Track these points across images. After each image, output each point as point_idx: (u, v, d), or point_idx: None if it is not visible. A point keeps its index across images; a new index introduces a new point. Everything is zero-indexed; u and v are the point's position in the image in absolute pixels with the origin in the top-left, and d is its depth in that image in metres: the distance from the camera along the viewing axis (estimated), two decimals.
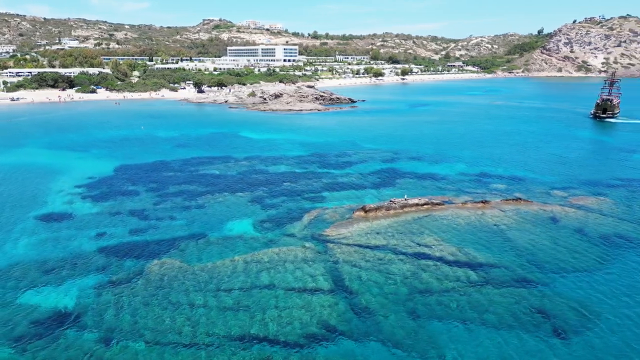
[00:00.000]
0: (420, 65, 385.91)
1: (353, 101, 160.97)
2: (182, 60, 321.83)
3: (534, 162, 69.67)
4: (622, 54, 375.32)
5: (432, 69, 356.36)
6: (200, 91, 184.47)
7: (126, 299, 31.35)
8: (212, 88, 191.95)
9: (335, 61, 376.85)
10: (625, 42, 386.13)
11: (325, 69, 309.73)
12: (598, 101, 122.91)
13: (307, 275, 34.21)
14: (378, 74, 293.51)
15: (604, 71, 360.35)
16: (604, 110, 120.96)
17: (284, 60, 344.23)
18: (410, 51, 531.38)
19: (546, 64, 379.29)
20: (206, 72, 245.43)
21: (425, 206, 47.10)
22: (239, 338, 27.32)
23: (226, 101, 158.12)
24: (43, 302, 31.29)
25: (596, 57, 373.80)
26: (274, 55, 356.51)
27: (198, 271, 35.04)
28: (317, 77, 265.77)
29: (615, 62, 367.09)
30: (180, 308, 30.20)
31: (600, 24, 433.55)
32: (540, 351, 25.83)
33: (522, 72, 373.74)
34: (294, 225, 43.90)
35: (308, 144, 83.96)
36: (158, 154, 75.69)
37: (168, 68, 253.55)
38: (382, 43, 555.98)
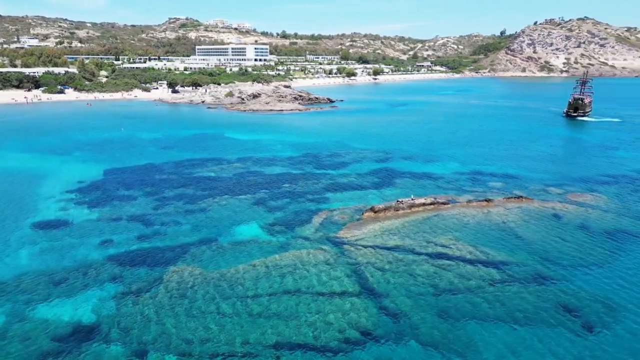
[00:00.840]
0: (390, 65, 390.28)
1: (332, 101, 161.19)
2: (150, 59, 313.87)
3: (523, 159, 71.56)
4: (582, 55, 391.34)
5: (402, 69, 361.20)
6: (175, 91, 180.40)
7: (151, 310, 30.17)
8: (187, 88, 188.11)
9: (306, 61, 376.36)
10: (584, 43, 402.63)
11: (297, 68, 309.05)
12: (570, 100, 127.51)
13: (332, 278, 33.87)
14: (351, 74, 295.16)
15: (565, 71, 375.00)
16: (575, 109, 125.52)
17: (255, 60, 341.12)
18: (379, 51, 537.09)
19: (511, 64, 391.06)
20: (177, 72, 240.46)
21: (432, 206, 47.57)
22: (277, 345, 26.74)
23: (203, 101, 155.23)
24: (61, 316, 29.73)
25: (558, 57, 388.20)
26: (245, 55, 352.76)
27: (219, 278, 34.14)
28: (290, 76, 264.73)
29: (576, 62, 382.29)
30: (211, 317, 29.31)
31: (560, 26, 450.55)
32: (574, 346, 26.45)
33: (489, 72, 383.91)
34: (305, 228, 43.45)
35: (298, 144, 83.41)
36: (145, 156, 73.46)
37: (137, 68, 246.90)
38: (351, 43, 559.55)
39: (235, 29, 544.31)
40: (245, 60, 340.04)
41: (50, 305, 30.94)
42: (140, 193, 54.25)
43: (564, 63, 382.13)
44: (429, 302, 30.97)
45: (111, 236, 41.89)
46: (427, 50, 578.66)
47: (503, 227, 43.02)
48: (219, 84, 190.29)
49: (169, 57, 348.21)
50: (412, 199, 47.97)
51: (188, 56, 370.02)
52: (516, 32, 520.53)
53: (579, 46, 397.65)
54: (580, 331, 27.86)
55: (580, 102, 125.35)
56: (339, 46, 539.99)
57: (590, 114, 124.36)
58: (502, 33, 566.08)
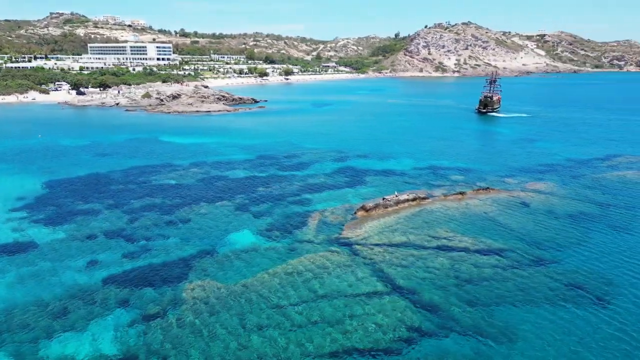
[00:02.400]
0: (297, 65, 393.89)
1: (256, 101, 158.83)
2: (35, 58, 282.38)
3: (465, 153, 76.96)
4: (470, 56, 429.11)
5: (310, 69, 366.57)
6: (80, 93, 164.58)
7: (180, 332, 27.69)
8: (93, 89, 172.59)
9: (212, 60, 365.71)
10: (470, 45, 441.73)
11: (205, 68, 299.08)
12: (481, 98, 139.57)
13: (358, 280, 33.76)
14: (263, 74, 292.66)
15: (457, 71, 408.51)
16: (485, 105, 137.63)
17: (158, 59, 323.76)
18: (283, 51, 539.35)
19: (409, 64, 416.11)
20: (73, 72, 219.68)
21: (415, 201, 49.41)
22: (331, 354, 26.08)
23: (117, 103, 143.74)
24: (79, 353, 26.10)
25: (449, 58, 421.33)
26: (146, 54, 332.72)
27: (244, 290, 32.31)
28: (201, 77, 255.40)
29: (465, 63, 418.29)
30: (251, 332, 27.67)
31: (448, 29, 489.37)
32: (592, 319, 29.30)
33: (390, 72, 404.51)
34: (304, 231, 42.69)
35: (247, 146, 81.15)
36: (83, 165, 66.45)
37: (23, 67, 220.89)
38: (255, 43, 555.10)
39: (129, 25, 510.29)
40: (146, 59, 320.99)
41: (61, 341, 27.00)
42: (102, 206, 49.08)
43: (455, 64, 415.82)
44: (456, 293, 32.27)
45: (94, 256, 37.50)
46: (329, 51, 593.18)
47: (486, 217, 46.13)
48: (130, 85, 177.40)
49: (58, 56, 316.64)
50: (396, 196, 49.41)
51: (79, 55, 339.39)
52: (409, 35, 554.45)
53: (466, 48, 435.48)
54: (594, 306, 30.96)
55: (489, 99, 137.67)
56: (243, 45, 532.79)
57: (499, 110, 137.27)
58: (396, 35, 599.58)
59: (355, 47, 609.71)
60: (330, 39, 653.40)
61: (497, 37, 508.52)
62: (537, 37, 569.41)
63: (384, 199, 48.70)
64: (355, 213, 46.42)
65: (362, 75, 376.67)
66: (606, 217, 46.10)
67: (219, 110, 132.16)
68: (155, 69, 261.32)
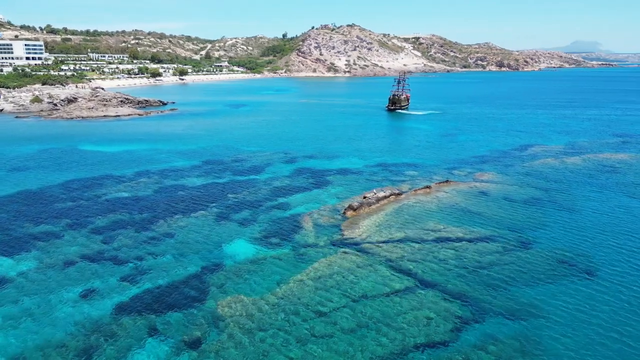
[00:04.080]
0: (187, 64, 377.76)
1: (164, 103, 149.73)
2: None
3: (404, 149, 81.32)
4: (358, 57, 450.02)
5: (203, 69, 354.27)
6: None
7: (237, 354, 25.98)
8: None
9: (91, 60, 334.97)
10: (358, 47, 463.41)
11: (87, 68, 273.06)
12: (390, 96, 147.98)
13: (382, 279, 34.40)
14: (156, 74, 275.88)
15: (348, 72, 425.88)
16: (394, 103, 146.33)
17: (28, 59, 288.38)
18: (170, 50, 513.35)
19: (303, 65, 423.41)
20: None
21: (392, 197, 51.42)
22: (398, 354, 26.62)
23: (1, 110, 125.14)
24: None
25: (340, 59, 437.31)
26: (12, 52, 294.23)
27: (275, 301, 31.13)
28: (86, 78, 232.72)
29: (354, 64, 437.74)
30: (307, 343, 26.96)
31: (334, 31, 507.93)
32: (591, 289, 33.57)
33: (285, 72, 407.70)
34: (303, 235, 42.11)
35: (186, 152, 76.68)
36: (2, 182, 57.39)
37: None
38: (137, 41, 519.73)
39: None
40: (14, 59, 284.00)
41: None
42: (59, 227, 43.17)
43: (345, 64, 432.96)
44: (474, 280, 34.60)
45: (87, 284, 33.14)
46: (218, 50, 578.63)
47: (459, 207, 49.71)
48: (9, 88, 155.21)
49: None
50: (375, 193, 50.91)
51: None
52: (297, 35, 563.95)
53: (355, 49, 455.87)
54: (587, 278, 35.36)
55: (397, 97, 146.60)
56: (123, 44, 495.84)
57: (407, 107, 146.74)
58: (284, 35, 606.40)
59: (244, 47, 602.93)
60: (217, 38, 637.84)
61: (379, 39, 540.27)
62: (413, 39, 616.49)
63: (364, 197, 49.90)
64: (344, 213, 46.92)
65: (258, 75, 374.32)
66: (553, 200, 52.51)
67: (129, 115, 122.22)
68: (27, 69, 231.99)
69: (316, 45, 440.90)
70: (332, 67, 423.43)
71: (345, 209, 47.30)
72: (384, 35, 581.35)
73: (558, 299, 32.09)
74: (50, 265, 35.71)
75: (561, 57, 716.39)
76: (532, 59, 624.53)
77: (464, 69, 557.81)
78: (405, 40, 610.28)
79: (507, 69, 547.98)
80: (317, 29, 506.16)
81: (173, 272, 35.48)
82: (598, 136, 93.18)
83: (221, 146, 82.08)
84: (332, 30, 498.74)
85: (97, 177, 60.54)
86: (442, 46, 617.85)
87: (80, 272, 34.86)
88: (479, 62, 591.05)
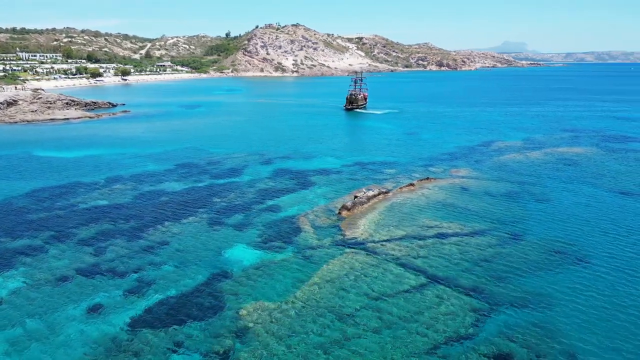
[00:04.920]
0: (127, 64, 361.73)
1: (114, 105, 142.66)
2: None
3: (375, 148, 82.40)
4: (305, 57, 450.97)
5: (146, 69, 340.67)
6: None
7: None
8: None
9: (20, 59, 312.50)
10: (304, 46, 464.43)
11: (19, 68, 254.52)
12: (347, 96, 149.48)
13: (396, 277, 34.71)
14: (96, 75, 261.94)
15: (296, 71, 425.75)
16: (351, 102, 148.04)
17: None
18: (106, 49, 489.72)
19: (250, 65, 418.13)
20: None
21: (381, 195, 52.05)
22: (430, 350, 27.07)
23: None
24: None
25: (287, 59, 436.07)
26: None
27: (298, 306, 30.62)
28: (20, 78, 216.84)
29: (302, 64, 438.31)
30: (340, 346, 26.81)
31: (279, 30, 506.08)
32: (589, 275, 35.82)
33: (232, 72, 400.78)
34: (304, 237, 41.65)
35: (154, 156, 73.49)
36: None
37: None
38: (70, 40, 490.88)
39: None
40: None
41: None
42: (41, 240, 40.06)
43: (293, 64, 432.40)
44: (482, 273, 35.69)
45: (90, 300, 31.01)
46: (159, 49, 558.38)
47: (447, 203, 51.15)
48: None
49: None
50: (365, 192, 51.30)
51: None
52: (241, 34, 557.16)
53: (301, 49, 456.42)
54: (581, 265, 37.59)
55: (354, 97, 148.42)
56: (55, 42, 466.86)
57: (365, 107, 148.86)
58: (227, 34, 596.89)
59: (187, 46, 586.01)
60: (156, 37, 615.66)
61: (324, 39, 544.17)
62: (357, 39, 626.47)
63: (356, 196, 50.17)
64: (339, 213, 46.90)
65: (204, 75, 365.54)
66: (530, 193, 55.28)
67: (79, 117, 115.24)
68: None
69: (262, 44, 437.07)
70: (279, 67, 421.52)
71: (340, 209, 47.32)
72: (329, 35, 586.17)
73: (560, 284, 33.85)
74: (44, 282, 33.05)
75: (494, 57, 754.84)
76: (468, 58, 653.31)
77: (406, 69, 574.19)
78: (349, 40, 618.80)
79: (447, 68, 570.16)
80: (261, 28, 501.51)
81: (180, 282, 33.97)
82: (550, 132, 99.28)
83: (190, 148, 79.42)
84: (277, 30, 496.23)
85: (66, 184, 56.67)
86: (384, 46, 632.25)
87: (80, 287, 32.54)
88: (420, 61, 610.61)
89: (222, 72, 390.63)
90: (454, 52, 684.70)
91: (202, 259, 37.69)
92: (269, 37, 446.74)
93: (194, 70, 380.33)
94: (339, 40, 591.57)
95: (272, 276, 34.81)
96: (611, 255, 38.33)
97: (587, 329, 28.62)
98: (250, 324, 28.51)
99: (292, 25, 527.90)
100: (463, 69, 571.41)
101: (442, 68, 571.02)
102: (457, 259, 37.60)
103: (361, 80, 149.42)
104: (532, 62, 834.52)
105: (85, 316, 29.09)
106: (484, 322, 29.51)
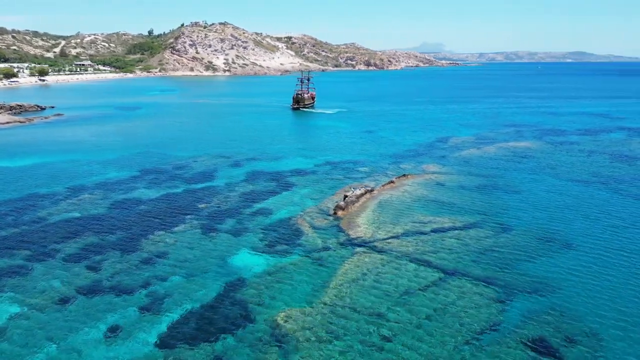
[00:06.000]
0: (41, 63, 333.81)
1: (42, 108, 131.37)
2: None
3: (341, 147, 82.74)
4: (237, 56, 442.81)
5: (66, 69, 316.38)
6: None
7: None
8: None
9: None
10: (235, 45, 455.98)
11: None
12: (294, 95, 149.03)
13: (414, 273, 35.12)
14: (10, 75, 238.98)
15: (228, 70, 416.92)
16: (297, 102, 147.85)
17: None
18: (15, 47, 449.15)
19: (179, 64, 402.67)
20: None
21: (368, 194, 52.61)
22: (465, 343, 27.88)
23: None
24: None
25: (218, 58, 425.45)
26: None
27: (328, 309, 30.19)
28: None
29: (234, 63, 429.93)
30: (383, 345, 26.98)
31: (207, 28, 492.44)
32: (582, 260, 38.53)
33: (159, 71, 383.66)
34: (307, 239, 41.06)
35: (114, 162, 68.71)
36: None
37: None
38: None
39: None
40: None
41: None
42: (20, 260, 36.13)
43: (224, 63, 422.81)
44: (487, 264, 37.18)
45: (105, 321, 28.46)
46: (75, 47, 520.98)
47: (430, 198, 52.78)
48: None
49: None
50: (353, 192, 51.56)
51: None
52: (164, 32, 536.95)
53: (232, 48, 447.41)
54: (571, 250, 40.28)
55: (300, 96, 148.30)
56: None
57: (313, 106, 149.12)
58: (150, 32, 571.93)
59: (106, 44, 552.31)
60: (71, 34, 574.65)
61: (254, 38, 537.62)
62: (286, 39, 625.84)
63: (345, 196, 50.26)
64: (335, 213, 46.73)
65: (130, 75, 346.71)
66: (500, 185, 58.47)
67: (7, 123, 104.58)
68: None
69: (192, 43, 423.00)
70: (210, 66, 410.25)
71: (334, 209, 47.20)
72: (257, 34, 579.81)
73: (561, 268, 36.19)
74: (41, 307, 29.75)
75: (417, 57, 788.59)
76: (393, 58, 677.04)
77: (336, 68, 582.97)
78: (278, 39, 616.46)
79: (374, 67, 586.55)
80: (189, 26, 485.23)
81: (194, 294, 32.15)
82: (494, 127, 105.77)
83: (149, 153, 75.16)
84: (205, 28, 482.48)
85: (26, 197, 51.36)
86: (314, 46, 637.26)
87: (87, 308, 29.72)
88: (349, 61, 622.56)
89: (149, 72, 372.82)
90: (380, 52, 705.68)
91: (209, 268, 35.94)
92: (197, 36, 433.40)
93: (118, 70, 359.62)
94: (268, 39, 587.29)
95: (290, 281, 34.00)
96: (597, 237, 41.76)
97: (600, 306, 30.88)
98: (290, 332, 27.67)
99: (220, 23, 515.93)
100: (390, 68, 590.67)
101: (370, 68, 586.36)
102: (462, 252, 39.01)
103: (308, 80, 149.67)
104: (451, 62, 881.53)
105: (107, 338, 26.63)
106: (506, 310, 30.86)
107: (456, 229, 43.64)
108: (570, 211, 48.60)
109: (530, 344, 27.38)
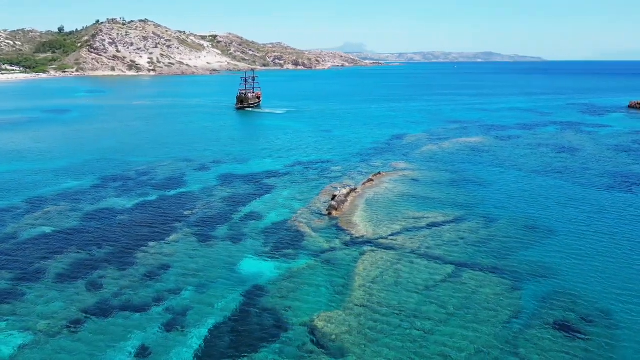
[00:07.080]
0: None
1: None
2: None
3: (306, 147, 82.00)
4: (162, 55, 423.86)
5: None
6: None
7: None
8: None
9: None
10: (159, 44, 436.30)
11: None
12: (238, 95, 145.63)
13: (428, 269, 35.66)
14: None
15: (153, 70, 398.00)
16: (241, 101, 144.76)
17: None
18: None
19: (98, 63, 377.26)
20: None
21: (353, 193, 52.79)
22: (496, 331, 28.93)
23: None
24: None
25: (141, 57, 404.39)
26: None
27: (360, 311, 29.93)
28: None
29: (159, 62, 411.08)
30: (429, 340, 27.36)
31: (126, 26, 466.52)
32: (568, 242, 41.55)
33: (77, 71, 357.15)
34: (311, 241, 40.34)
35: (64, 170, 63.01)
36: None
37: None
38: None
39: None
40: None
41: None
42: (7, 284, 31.84)
43: (148, 62, 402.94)
44: (491, 254, 38.47)
45: (129, 342, 26.12)
46: None
47: (412, 194, 53.97)
48: None
49: None
50: (340, 191, 51.42)
51: None
52: (77, 29, 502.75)
53: (156, 47, 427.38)
54: (550, 234, 43.23)
55: (244, 96, 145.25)
56: None
57: (259, 106, 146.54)
58: (60, 29, 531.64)
59: (11, 42, 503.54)
60: None
61: (177, 37, 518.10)
62: (211, 37, 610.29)
63: (334, 195, 49.99)
64: (329, 213, 46.33)
65: (43, 76, 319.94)
66: (471, 178, 61.07)
67: None
68: None
69: (111, 41, 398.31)
70: (133, 65, 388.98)
71: (328, 209, 46.82)
72: (181, 32, 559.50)
73: (556, 252, 38.43)
74: (54, 331, 26.59)
75: (342, 56, 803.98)
76: (320, 58, 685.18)
77: (264, 68, 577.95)
78: (203, 38, 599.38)
79: (302, 67, 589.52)
80: (105, 23, 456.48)
81: (215, 305, 30.39)
82: (441, 124, 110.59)
83: (104, 159, 69.74)
84: (124, 26, 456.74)
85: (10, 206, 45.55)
86: (240, 45, 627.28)
87: (103, 330, 27.00)
88: (277, 60, 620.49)
89: (65, 72, 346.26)
90: (307, 51, 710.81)
91: (219, 278, 34.14)
92: (117, 34, 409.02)
93: (29, 70, 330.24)
94: (192, 38, 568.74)
95: (310, 284, 33.23)
96: (578, 222, 45.06)
97: (602, 285, 33.42)
98: (331, 335, 27.06)
99: (140, 21, 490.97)
100: (317, 68, 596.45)
101: (299, 67, 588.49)
102: (463, 244, 40.38)
103: (253, 80, 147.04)
104: (374, 62, 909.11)
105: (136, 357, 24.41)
106: (523, 297, 32.40)
107: (449, 223, 45.07)
108: (544, 199, 52.12)
109: (555, 326, 28.98)
